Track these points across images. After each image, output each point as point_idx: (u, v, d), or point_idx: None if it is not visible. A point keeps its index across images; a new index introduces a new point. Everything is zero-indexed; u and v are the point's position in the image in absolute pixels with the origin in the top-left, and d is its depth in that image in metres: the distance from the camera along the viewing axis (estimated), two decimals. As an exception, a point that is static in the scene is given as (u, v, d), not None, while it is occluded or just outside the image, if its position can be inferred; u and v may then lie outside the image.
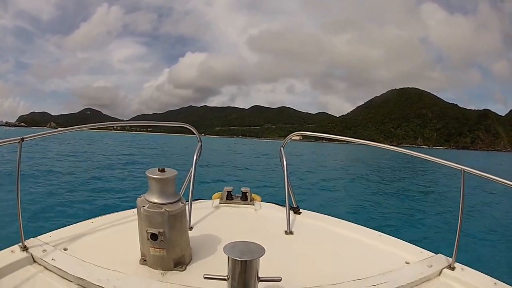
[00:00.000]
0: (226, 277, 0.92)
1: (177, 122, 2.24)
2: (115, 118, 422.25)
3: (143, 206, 1.15)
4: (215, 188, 2.34)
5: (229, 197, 2.12)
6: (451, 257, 1.29)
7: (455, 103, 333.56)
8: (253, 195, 2.14)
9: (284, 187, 1.90)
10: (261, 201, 2.17)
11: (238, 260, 0.87)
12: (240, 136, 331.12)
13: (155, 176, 1.17)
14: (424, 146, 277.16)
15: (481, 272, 1.24)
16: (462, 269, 1.26)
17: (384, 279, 1.17)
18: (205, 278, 0.94)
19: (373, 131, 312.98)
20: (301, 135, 2.18)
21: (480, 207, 9.43)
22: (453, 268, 1.25)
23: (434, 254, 1.37)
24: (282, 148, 2.08)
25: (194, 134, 2.10)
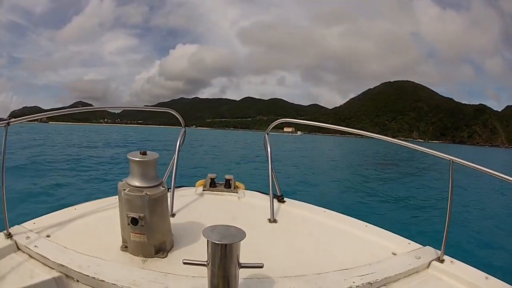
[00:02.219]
0: (206, 263, 0.89)
1: (162, 109, 2.17)
2: (106, 111, 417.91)
3: (124, 190, 1.13)
4: (199, 177, 2.29)
5: (213, 184, 2.07)
6: (440, 250, 1.26)
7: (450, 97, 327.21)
8: (236, 183, 2.10)
9: (268, 175, 1.86)
10: (245, 189, 2.12)
11: (218, 243, 0.84)
12: (232, 128, 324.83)
13: (136, 159, 1.15)
14: (419, 140, 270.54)
15: (471, 265, 1.19)
16: (451, 262, 1.22)
17: (371, 269, 1.14)
18: (184, 263, 0.91)
19: (367, 124, 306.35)
20: (287, 122, 2.05)
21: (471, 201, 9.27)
22: (442, 261, 1.22)
23: (422, 246, 1.34)
24: (266, 135, 2.03)
25: (187, 126, 2.03)
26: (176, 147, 1.89)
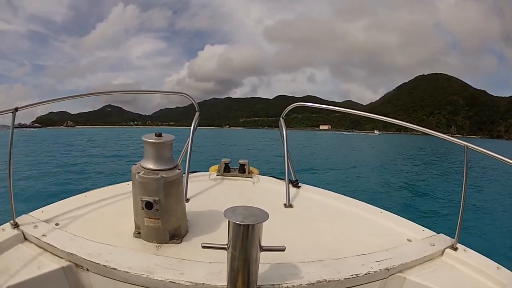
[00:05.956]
0: (226, 246, 0.84)
1: (174, 93, 2.10)
2: (137, 113, 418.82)
3: (138, 173, 1.08)
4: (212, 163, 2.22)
5: (227, 169, 2.04)
6: (453, 238, 1.25)
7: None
8: (251, 168, 2.07)
9: (284, 159, 1.82)
10: (259, 174, 2.10)
11: (240, 224, 0.78)
12: (266, 127, 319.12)
13: (151, 141, 1.11)
14: (458, 135, 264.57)
15: (483, 255, 1.19)
16: (464, 250, 1.22)
17: (388, 255, 1.14)
18: (203, 247, 0.86)
19: (404, 120, 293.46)
20: (303, 106, 1.96)
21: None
22: (455, 249, 1.22)
23: (436, 234, 1.33)
24: (281, 119, 1.98)
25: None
26: (190, 130, 1.83)
